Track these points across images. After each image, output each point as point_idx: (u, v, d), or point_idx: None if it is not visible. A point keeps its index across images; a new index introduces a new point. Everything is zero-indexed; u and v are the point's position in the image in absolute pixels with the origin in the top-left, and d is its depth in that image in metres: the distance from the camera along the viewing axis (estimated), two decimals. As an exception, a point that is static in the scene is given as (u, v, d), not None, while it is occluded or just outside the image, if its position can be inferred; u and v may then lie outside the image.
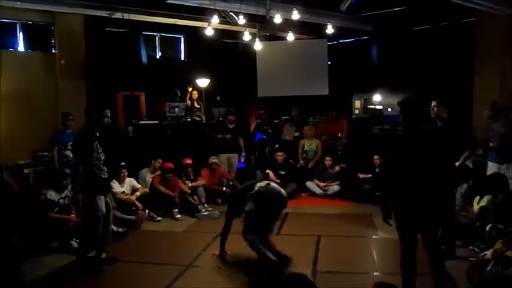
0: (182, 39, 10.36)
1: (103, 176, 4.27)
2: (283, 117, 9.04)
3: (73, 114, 6.60)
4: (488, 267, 3.58)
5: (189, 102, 8.60)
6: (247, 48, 9.54)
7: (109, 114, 4.35)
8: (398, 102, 3.47)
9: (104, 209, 4.25)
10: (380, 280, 3.94)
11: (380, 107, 8.76)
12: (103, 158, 4.25)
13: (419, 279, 3.29)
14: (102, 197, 4.25)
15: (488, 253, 3.73)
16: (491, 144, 5.57)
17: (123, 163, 6.13)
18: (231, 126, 7.72)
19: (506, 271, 3.33)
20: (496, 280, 2.42)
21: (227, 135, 7.61)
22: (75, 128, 6.35)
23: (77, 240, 4.87)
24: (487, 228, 4.39)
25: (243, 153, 7.86)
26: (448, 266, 3.48)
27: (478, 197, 4.93)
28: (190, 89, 8.66)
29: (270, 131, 8.62)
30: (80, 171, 4.18)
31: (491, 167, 5.57)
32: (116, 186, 5.96)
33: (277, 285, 2.15)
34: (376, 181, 6.90)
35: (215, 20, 7.66)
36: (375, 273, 4.28)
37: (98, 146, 4.20)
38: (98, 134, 4.26)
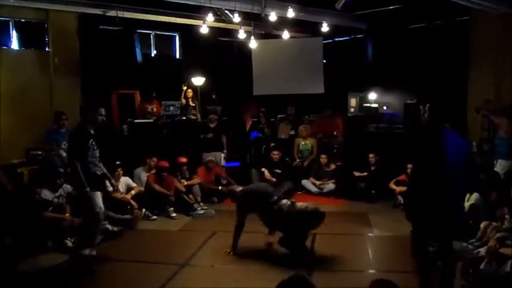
0: (177, 37, 10.31)
1: (98, 173, 4.34)
2: (279, 116, 9.04)
3: (67, 112, 6.56)
4: (482, 265, 3.60)
5: (183, 100, 8.57)
6: (243, 46, 9.51)
7: (103, 113, 4.40)
8: (428, 101, 3.36)
9: (102, 205, 4.31)
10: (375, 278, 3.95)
11: (375, 105, 8.80)
12: (98, 155, 4.32)
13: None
14: (99, 193, 4.33)
15: (482, 250, 3.76)
16: None
17: (118, 162, 6.10)
18: (212, 126, 7.71)
19: (500, 269, 3.36)
20: (490, 278, 2.44)
21: (209, 134, 7.60)
22: (69, 127, 6.31)
23: (72, 240, 4.84)
24: (481, 225, 4.42)
25: (225, 151, 7.82)
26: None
27: (468, 195, 4.97)
28: (184, 88, 8.63)
29: (265, 129, 8.61)
30: (78, 168, 4.20)
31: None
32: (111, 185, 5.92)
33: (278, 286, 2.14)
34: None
35: (210, 18, 7.63)
36: (370, 271, 4.30)
37: (93, 143, 4.27)
38: (92, 132, 4.32)
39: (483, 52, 7.85)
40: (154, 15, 8.44)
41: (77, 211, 5.04)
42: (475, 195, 4.89)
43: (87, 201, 4.27)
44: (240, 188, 4.95)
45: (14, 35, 7.84)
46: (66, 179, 5.29)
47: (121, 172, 6.11)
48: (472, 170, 3.42)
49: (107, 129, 7.28)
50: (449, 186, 3.07)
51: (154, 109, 8.05)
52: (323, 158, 7.71)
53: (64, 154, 6.19)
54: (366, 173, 7.25)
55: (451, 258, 3.26)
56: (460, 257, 3.90)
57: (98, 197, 4.33)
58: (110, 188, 5.79)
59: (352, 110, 9.11)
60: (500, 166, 5.63)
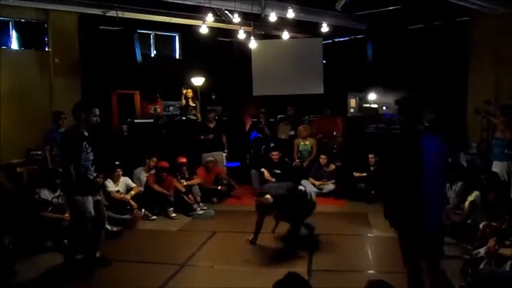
0: (177, 38, 10.32)
1: (90, 177, 4.17)
2: (279, 116, 9.04)
3: (67, 113, 6.54)
4: (482, 265, 3.60)
5: (184, 101, 8.57)
6: (242, 46, 9.52)
7: (97, 113, 4.20)
8: (397, 100, 3.39)
9: (92, 210, 4.14)
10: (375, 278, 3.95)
11: (375, 105, 8.80)
12: (91, 158, 4.14)
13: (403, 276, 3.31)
14: (90, 198, 4.14)
15: (482, 251, 3.75)
16: None
17: (117, 162, 6.10)
18: (211, 126, 7.71)
19: (499, 269, 3.36)
20: (489, 278, 2.44)
21: (209, 135, 7.60)
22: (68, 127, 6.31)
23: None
24: (481, 226, 4.42)
25: (226, 151, 7.83)
26: (442, 263, 3.49)
27: (469, 196, 5.00)
28: (184, 91, 8.61)
29: (265, 129, 8.61)
30: (71, 171, 4.02)
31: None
32: (111, 185, 5.93)
33: (274, 286, 2.14)
34: (374, 182, 6.89)
35: (210, 18, 7.64)
36: (369, 271, 4.30)
37: (87, 145, 4.09)
38: (86, 134, 4.14)
39: (483, 53, 7.87)
40: (154, 16, 8.44)
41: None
42: (475, 193, 4.91)
43: (77, 206, 4.10)
44: (270, 197, 4.66)
45: (13, 35, 7.85)
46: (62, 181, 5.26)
47: (120, 172, 6.12)
48: (449, 173, 3.37)
49: (107, 129, 7.30)
50: (425, 188, 3.05)
51: (158, 109, 8.04)
52: (323, 159, 7.70)
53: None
54: (365, 174, 7.24)
55: (437, 260, 3.26)
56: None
57: (89, 202, 4.14)
58: (111, 188, 5.82)
59: (351, 110, 9.11)
60: (496, 168, 5.63)
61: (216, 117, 7.94)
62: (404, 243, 3.24)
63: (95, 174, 4.25)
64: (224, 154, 7.78)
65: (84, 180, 4.08)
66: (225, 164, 7.80)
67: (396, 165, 3.17)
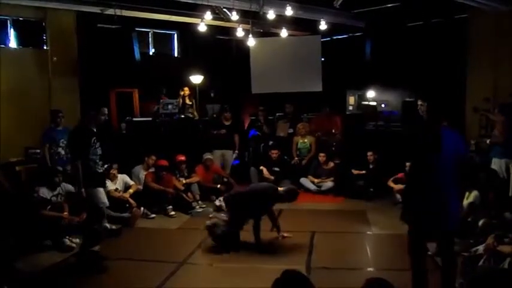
0: (175, 36, 10.31)
1: (99, 171, 4.46)
2: (277, 114, 9.04)
3: (65, 111, 6.55)
4: (481, 262, 3.60)
5: (181, 100, 8.55)
6: (241, 44, 9.51)
7: (106, 112, 4.65)
8: (427, 100, 3.47)
9: (106, 200, 4.51)
10: (374, 276, 3.96)
11: (374, 103, 8.80)
12: (99, 153, 4.43)
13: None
14: (101, 189, 4.50)
15: (481, 248, 3.75)
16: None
17: (107, 164, 6.06)
18: (227, 123, 7.72)
19: (498, 266, 3.36)
20: (488, 275, 2.45)
21: (221, 130, 7.60)
22: (66, 125, 6.30)
23: (70, 238, 4.84)
24: (480, 223, 4.43)
25: (236, 151, 7.85)
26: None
27: (467, 193, 4.99)
28: (182, 93, 8.59)
29: (264, 127, 8.61)
30: (79, 166, 4.31)
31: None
32: (109, 184, 5.92)
33: (273, 284, 2.14)
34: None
35: (208, 16, 7.62)
36: (368, 269, 4.31)
37: (95, 141, 4.39)
38: (94, 130, 4.46)
39: (481, 50, 7.86)
40: (152, 14, 8.43)
41: (77, 209, 5.02)
42: (474, 194, 4.90)
43: (89, 198, 4.40)
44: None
45: (12, 33, 7.83)
46: (65, 177, 5.31)
47: (116, 171, 6.11)
48: (467, 168, 3.48)
49: (107, 127, 7.30)
50: (443, 179, 3.11)
51: (161, 108, 8.01)
52: (321, 156, 7.70)
53: (62, 152, 6.20)
54: (364, 171, 7.25)
55: (451, 256, 3.27)
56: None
57: (101, 193, 4.51)
58: (109, 187, 5.81)
59: (350, 108, 9.12)
60: (495, 165, 5.65)
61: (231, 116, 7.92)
62: (414, 239, 3.25)
63: (103, 168, 4.58)
64: (234, 154, 7.82)
65: (94, 174, 4.38)
66: (231, 162, 7.83)
67: (417, 160, 3.27)
